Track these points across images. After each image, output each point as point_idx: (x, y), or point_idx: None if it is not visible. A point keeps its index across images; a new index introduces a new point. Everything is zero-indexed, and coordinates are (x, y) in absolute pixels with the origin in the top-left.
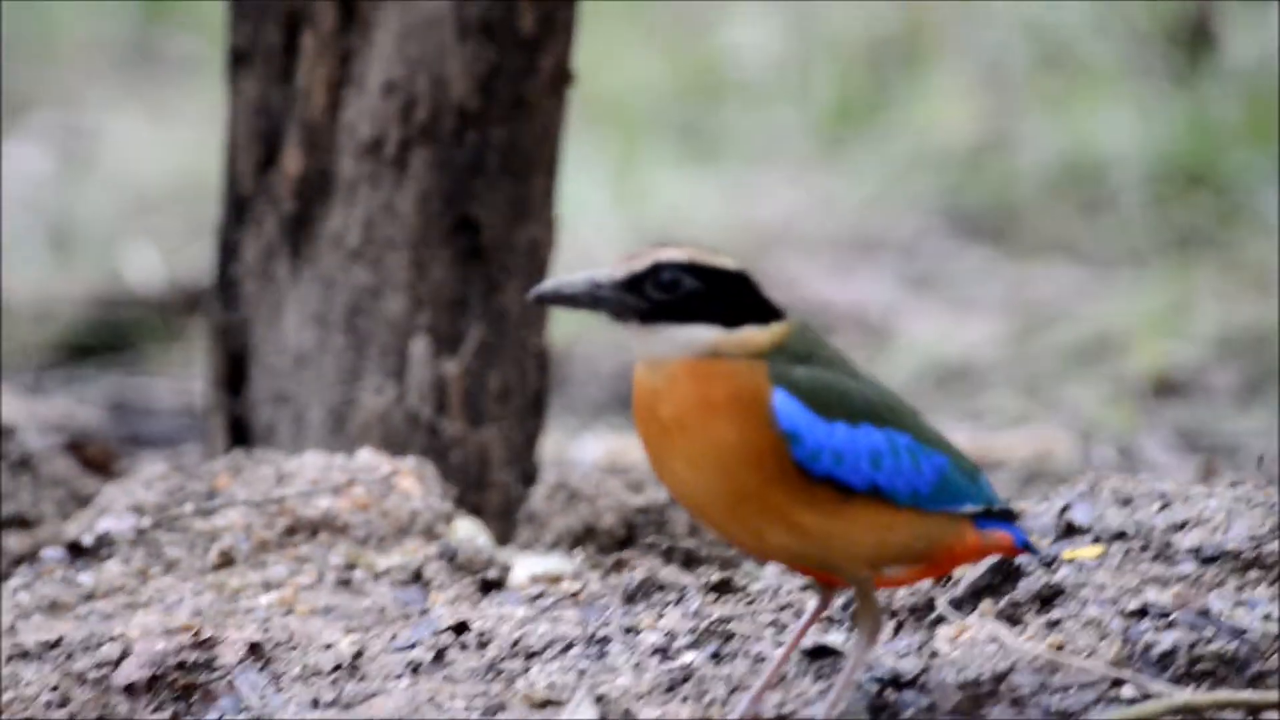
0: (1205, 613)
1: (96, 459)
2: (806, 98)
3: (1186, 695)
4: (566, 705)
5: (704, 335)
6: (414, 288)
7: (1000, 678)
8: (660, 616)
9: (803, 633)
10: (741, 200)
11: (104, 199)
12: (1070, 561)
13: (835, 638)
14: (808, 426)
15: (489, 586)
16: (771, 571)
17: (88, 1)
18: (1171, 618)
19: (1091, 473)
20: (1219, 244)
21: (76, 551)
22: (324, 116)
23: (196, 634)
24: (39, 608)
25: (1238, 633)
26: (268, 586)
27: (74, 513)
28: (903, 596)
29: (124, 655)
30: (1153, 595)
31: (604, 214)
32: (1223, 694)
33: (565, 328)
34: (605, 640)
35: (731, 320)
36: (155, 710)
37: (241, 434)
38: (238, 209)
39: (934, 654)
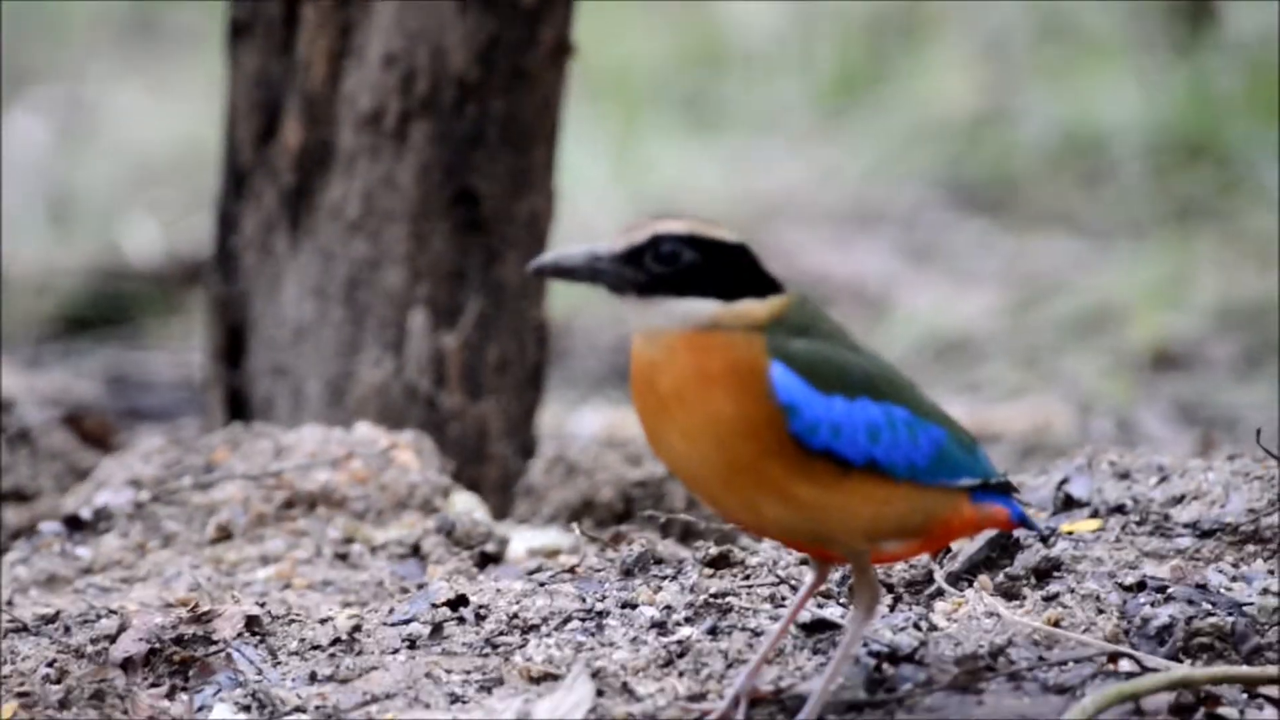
0: (1203, 587)
1: (94, 432)
2: (807, 70)
3: (1184, 670)
4: (563, 679)
5: (702, 308)
6: (413, 260)
7: (997, 652)
8: (658, 590)
9: (800, 607)
10: (742, 172)
11: (104, 171)
12: (1068, 535)
13: (833, 612)
14: (805, 400)
15: (487, 560)
16: (769, 545)
17: None
18: (1169, 592)
19: (1090, 446)
20: (1219, 216)
21: (74, 525)
22: (324, 88)
23: (194, 608)
24: (37, 581)
25: (1236, 607)
26: (265, 560)
27: (72, 486)
28: (900, 571)
29: (121, 629)
30: (1150, 569)
31: (604, 186)
32: (1220, 669)
33: (565, 300)
34: (603, 614)
35: (730, 293)
36: (153, 684)
37: (240, 407)
38: (237, 181)
39: (931, 628)
